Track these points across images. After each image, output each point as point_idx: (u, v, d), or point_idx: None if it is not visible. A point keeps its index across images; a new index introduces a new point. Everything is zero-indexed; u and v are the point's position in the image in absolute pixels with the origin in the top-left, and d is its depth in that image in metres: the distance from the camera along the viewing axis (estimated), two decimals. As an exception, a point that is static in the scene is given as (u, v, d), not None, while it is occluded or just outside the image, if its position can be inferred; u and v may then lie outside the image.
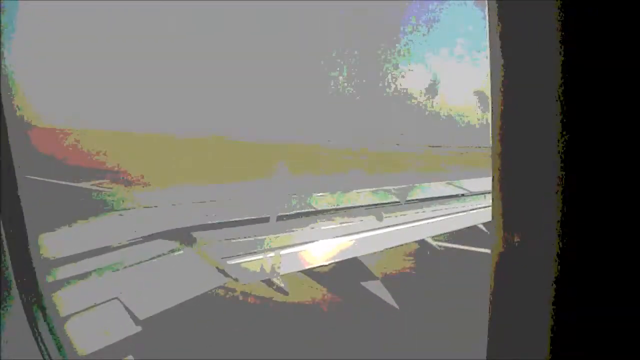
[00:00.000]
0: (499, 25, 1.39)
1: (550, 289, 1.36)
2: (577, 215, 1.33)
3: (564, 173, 1.32)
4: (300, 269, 5.23)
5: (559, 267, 1.35)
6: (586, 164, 1.31)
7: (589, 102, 1.29)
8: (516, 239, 1.43)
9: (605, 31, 1.25)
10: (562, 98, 1.30)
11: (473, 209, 7.71)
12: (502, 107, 1.41)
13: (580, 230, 1.33)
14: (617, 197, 1.29)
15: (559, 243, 1.34)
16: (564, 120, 1.30)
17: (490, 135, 1.43)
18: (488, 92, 1.43)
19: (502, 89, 1.41)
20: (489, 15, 1.40)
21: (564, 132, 1.30)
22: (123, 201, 5.81)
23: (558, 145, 1.31)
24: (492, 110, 1.42)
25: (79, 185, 11.79)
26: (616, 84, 1.26)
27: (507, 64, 1.39)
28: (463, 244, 8.26)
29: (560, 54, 1.29)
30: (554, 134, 1.31)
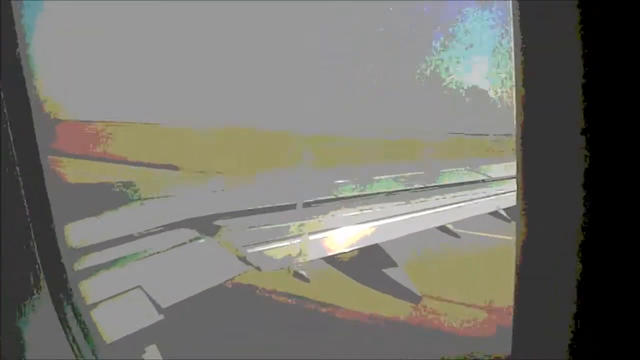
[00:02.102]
0: (521, 22, 1.40)
1: (574, 282, 1.36)
2: (601, 208, 1.33)
3: (588, 165, 1.32)
4: (322, 256, 5.24)
5: (583, 258, 1.36)
6: (610, 158, 1.31)
7: (612, 94, 1.28)
8: (539, 231, 1.44)
9: (626, 28, 1.26)
10: (584, 91, 1.30)
11: (494, 195, 7.66)
12: (525, 100, 1.41)
13: (604, 223, 1.34)
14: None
15: (582, 235, 1.35)
16: (587, 113, 1.31)
17: (514, 127, 1.44)
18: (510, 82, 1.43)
19: (524, 80, 1.41)
20: (512, 14, 1.41)
21: (587, 124, 1.31)
22: (145, 191, 5.82)
23: (581, 139, 1.31)
24: (515, 102, 1.43)
25: (102, 176, 11.89)
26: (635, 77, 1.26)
27: (530, 59, 1.39)
28: (484, 231, 8.22)
29: (581, 48, 1.29)
30: (577, 126, 1.32)
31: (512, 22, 1.41)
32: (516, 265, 1.49)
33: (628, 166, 1.30)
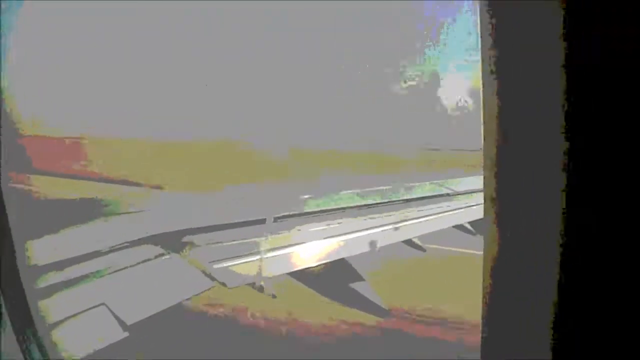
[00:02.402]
0: (490, 25, 1.40)
1: (548, 287, 1.37)
2: (574, 213, 1.34)
3: (561, 168, 1.33)
4: (288, 271, 5.23)
5: (561, 267, 1.37)
6: (582, 160, 1.32)
7: (584, 96, 1.30)
8: (510, 236, 1.45)
9: (601, 32, 1.28)
10: (561, 93, 1.31)
11: (460, 209, 7.72)
12: (497, 105, 1.42)
13: (577, 229, 1.35)
14: (614, 195, 1.31)
15: (559, 241, 1.36)
16: (564, 117, 1.32)
17: (482, 133, 1.44)
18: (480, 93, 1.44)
19: (495, 81, 1.41)
20: (480, 16, 1.41)
21: (565, 127, 1.32)
22: (110, 206, 5.78)
23: (555, 143, 1.32)
24: (483, 109, 1.43)
25: (66, 192, 11.75)
26: (612, 81, 1.28)
27: (499, 64, 1.40)
28: (450, 245, 8.29)
29: (555, 51, 1.31)
30: (551, 130, 1.33)
31: (479, 29, 1.42)
32: (484, 276, 1.50)
33: (603, 170, 1.31)
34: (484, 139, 1.44)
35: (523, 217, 1.43)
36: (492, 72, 1.41)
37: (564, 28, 1.29)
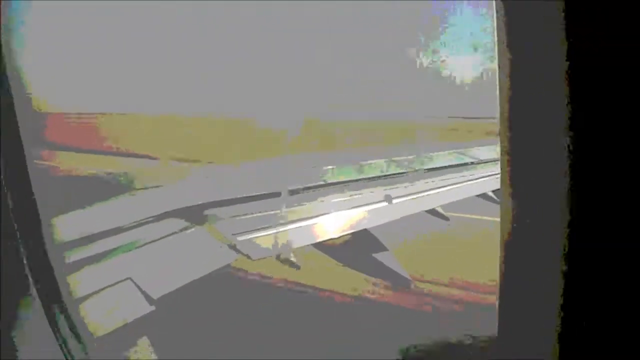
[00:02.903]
0: (506, 21, 1.39)
1: (559, 268, 1.37)
2: (585, 202, 1.34)
3: (572, 163, 1.32)
4: (311, 243, 5.24)
5: (568, 243, 1.37)
6: (594, 153, 1.32)
7: (596, 89, 1.29)
8: (525, 224, 1.44)
9: (612, 29, 1.26)
10: (569, 87, 1.30)
11: (482, 177, 7.68)
12: (510, 95, 1.42)
13: (589, 218, 1.34)
14: (624, 190, 1.31)
15: (567, 230, 1.36)
16: (571, 110, 1.31)
17: (498, 111, 1.44)
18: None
19: (510, 68, 1.40)
20: (496, 12, 1.40)
21: (572, 121, 1.31)
22: (133, 182, 5.82)
23: (566, 136, 1.31)
24: (499, 88, 1.43)
25: (89, 168, 11.84)
26: (621, 79, 1.27)
27: (515, 57, 1.39)
28: (474, 213, 8.25)
29: (567, 47, 1.29)
30: (562, 123, 1.32)
31: (495, 25, 1.41)
32: (500, 250, 1.50)
33: (613, 159, 1.30)
34: (500, 111, 1.43)
35: (534, 193, 1.43)
36: (507, 61, 1.40)
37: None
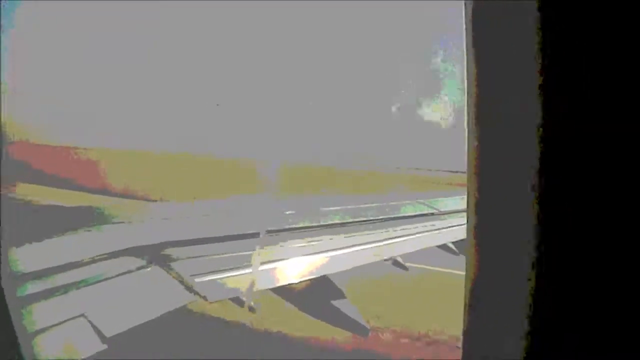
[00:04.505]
0: (475, 27, 1.41)
1: (524, 316, 1.38)
2: (553, 230, 1.36)
3: (540, 185, 1.34)
4: (270, 287, 5.22)
5: (534, 284, 1.38)
6: (563, 178, 1.33)
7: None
8: (488, 254, 1.46)
9: (583, 31, 1.29)
10: (540, 108, 1.32)
11: (443, 228, 7.76)
12: (477, 120, 1.43)
13: (556, 247, 1.36)
14: (594, 211, 1.33)
15: (533, 259, 1.37)
16: (541, 131, 1.33)
17: (466, 148, 1.47)
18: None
19: (477, 97, 1.43)
20: (465, 18, 1.42)
21: (541, 145, 1.33)
22: (93, 217, 5.75)
23: (535, 159, 1.33)
24: (467, 135, 1.45)
25: (49, 201, 11.69)
26: (596, 87, 1.30)
27: (483, 69, 1.42)
28: (433, 264, 8.32)
29: (536, 59, 1.32)
30: (530, 149, 1.34)
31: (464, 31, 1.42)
32: (466, 298, 1.51)
33: (581, 199, 1.33)
34: (467, 156, 1.46)
35: (502, 234, 1.45)
36: (475, 74, 1.42)
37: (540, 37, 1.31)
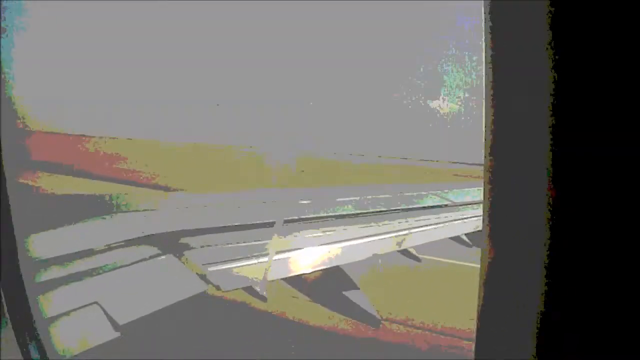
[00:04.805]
0: (493, 27, 1.41)
1: (537, 308, 1.39)
2: (566, 226, 1.36)
3: (553, 182, 1.35)
4: (283, 277, 5.24)
5: (547, 279, 1.39)
6: (577, 175, 1.34)
7: (582, 113, 1.32)
8: (504, 250, 1.48)
9: (598, 34, 1.29)
10: (554, 108, 1.33)
11: (456, 220, 7.73)
12: (494, 114, 1.44)
13: (569, 242, 1.37)
14: (607, 208, 1.33)
15: (547, 254, 1.39)
16: (555, 128, 1.34)
17: (483, 141, 1.47)
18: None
19: (493, 94, 1.43)
20: (484, 18, 1.42)
21: (555, 141, 1.34)
22: (108, 206, 5.79)
23: (549, 154, 1.34)
24: (485, 115, 1.45)
25: (65, 189, 11.77)
26: (608, 88, 1.30)
27: (500, 67, 1.42)
28: (446, 256, 8.31)
29: (553, 59, 1.32)
30: (546, 142, 1.35)
31: (482, 31, 1.43)
32: (480, 289, 1.51)
33: (597, 192, 1.34)
34: (484, 150, 1.47)
35: (518, 227, 1.46)
36: (492, 72, 1.42)
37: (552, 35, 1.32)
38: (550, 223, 1.37)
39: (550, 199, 1.36)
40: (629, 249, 1.33)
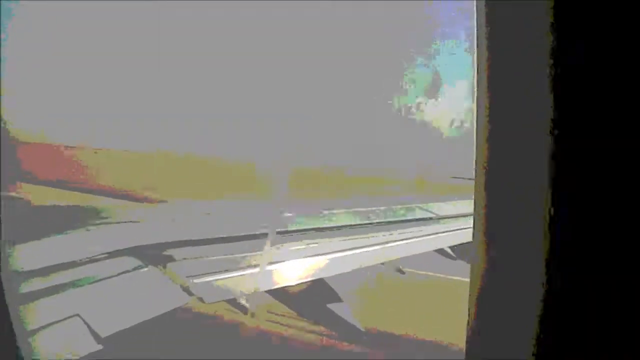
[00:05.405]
0: (486, 26, 1.41)
1: (530, 322, 1.39)
2: (561, 233, 1.37)
3: (550, 187, 1.35)
4: (266, 289, 5.23)
5: (544, 289, 1.39)
6: (571, 180, 1.34)
7: (578, 116, 1.32)
8: (497, 258, 1.46)
9: (594, 33, 1.30)
10: (551, 109, 1.33)
11: (441, 232, 7.75)
12: (488, 115, 1.44)
13: (564, 249, 1.37)
14: (604, 216, 1.34)
15: (544, 262, 1.38)
16: (551, 130, 1.33)
17: (475, 142, 1.47)
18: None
19: (488, 95, 1.43)
20: (477, 17, 1.42)
21: (549, 147, 1.34)
22: (92, 217, 5.76)
23: (545, 159, 1.34)
24: (477, 114, 1.46)
25: (47, 200, 11.69)
26: (606, 90, 1.31)
27: (493, 73, 1.43)
28: (430, 269, 8.33)
29: (549, 60, 1.32)
30: (541, 145, 1.35)
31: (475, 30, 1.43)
32: (470, 302, 1.51)
33: (591, 209, 1.34)
34: (476, 160, 1.47)
35: (510, 239, 1.46)
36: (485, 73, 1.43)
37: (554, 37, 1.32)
38: (545, 230, 1.37)
39: (544, 206, 1.36)
40: (626, 254, 1.33)
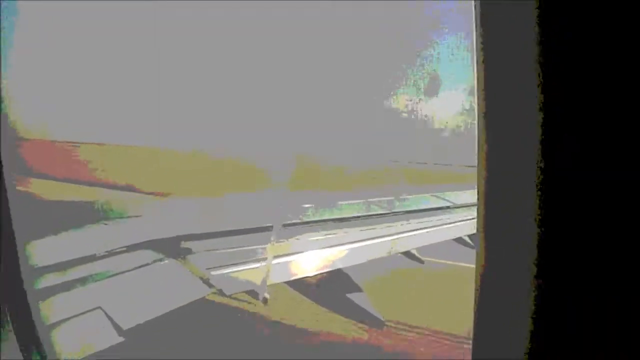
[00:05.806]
0: (483, 27, 1.40)
1: (532, 309, 1.38)
2: (560, 227, 1.35)
3: (545, 183, 1.33)
4: (285, 280, 5.23)
5: (541, 281, 1.37)
6: (569, 176, 1.32)
7: (574, 113, 1.30)
8: (498, 253, 1.46)
9: (588, 33, 1.28)
10: (545, 109, 1.31)
11: (459, 221, 7.73)
12: (487, 114, 1.42)
13: (563, 244, 1.35)
14: (602, 208, 1.32)
15: (540, 256, 1.37)
16: (546, 128, 1.32)
17: (476, 143, 1.46)
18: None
19: (485, 94, 1.41)
20: (475, 18, 1.41)
21: (546, 142, 1.32)
22: (110, 211, 5.78)
23: (541, 156, 1.32)
24: (477, 117, 1.44)
25: (66, 196, 11.75)
26: (600, 88, 1.29)
27: (493, 68, 1.40)
28: (448, 258, 8.29)
29: (543, 59, 1.31)
30: (537, 143, 1.33)
31: (473, 31, 1.42)
32: (475, 292, 1.51)
33: (589, 195, 1.32)
34: (477, 152, 1.45)
35: (510, 231, 1.44)
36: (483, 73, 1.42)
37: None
38: (544, 224, 1.36)
39: (544, 200, 1.35)
40: (623, 249, 1.32)
